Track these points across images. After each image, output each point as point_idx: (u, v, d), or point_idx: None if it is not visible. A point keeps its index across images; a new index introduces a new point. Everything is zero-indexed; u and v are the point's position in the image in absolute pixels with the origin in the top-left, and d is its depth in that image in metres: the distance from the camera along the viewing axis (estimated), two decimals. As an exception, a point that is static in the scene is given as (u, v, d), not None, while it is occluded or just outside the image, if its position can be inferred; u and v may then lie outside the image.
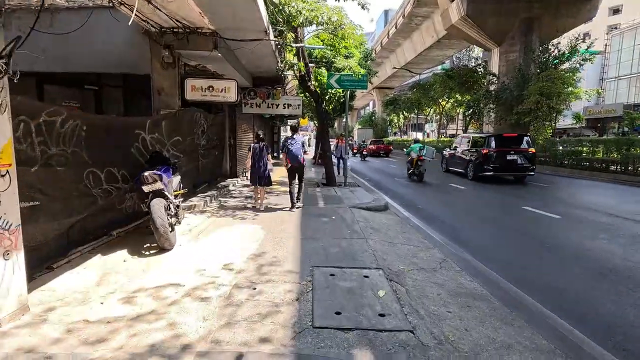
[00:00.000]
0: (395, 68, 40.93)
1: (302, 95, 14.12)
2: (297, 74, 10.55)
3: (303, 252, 4.68)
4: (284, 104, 11.99)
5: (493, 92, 22.12)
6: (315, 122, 33.56)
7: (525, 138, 13.29)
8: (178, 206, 5.41)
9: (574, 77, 19.62)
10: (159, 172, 4.61)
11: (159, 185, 4.60)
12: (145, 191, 4.59)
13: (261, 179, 7.48)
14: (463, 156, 14.40)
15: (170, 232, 4.70)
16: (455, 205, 9.32)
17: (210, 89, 7.11)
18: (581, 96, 21.14)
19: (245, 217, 6.78)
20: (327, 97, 10.93)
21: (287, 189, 7.72)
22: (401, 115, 51.49)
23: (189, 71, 7.37)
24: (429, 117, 46.91)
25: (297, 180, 7.57)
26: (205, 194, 8.45)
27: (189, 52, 6.87)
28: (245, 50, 7.62)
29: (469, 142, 14.50)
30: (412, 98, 38.85)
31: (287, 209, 7.54)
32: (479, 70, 26.21)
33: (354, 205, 8.09)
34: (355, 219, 6.81)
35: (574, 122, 30.65)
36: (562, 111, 19.95)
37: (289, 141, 7.39)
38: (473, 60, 39.07)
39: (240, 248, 4.84)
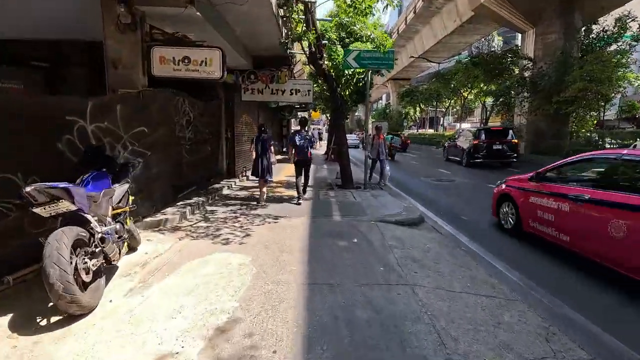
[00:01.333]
0: (412, 57, 38.38)
1: (313, 81, 12.12)
2: (306, 51, 8.57)
3: (309, 323, 2.73)
4: (292, 89, 10.03)
5: (528, 79, 19.64)
6: (328, 114, 31.56)
7: (510, 131, 15.96)
8: (120, 231, 3.54)
9: (627, 60, 17.03)
10: (63, 186, 2.71)
11: (65, 206, 2.71)
12: (43, 215, 2.71)
13: (264, 171, 7.36)
14: (459, 146, 16.95)
15: (89, 283, 2.82)
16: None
17: (186, 61, 5.20)
18: (632, 82, 18.51)
19: (232, 237, 4.87)
20: (343, 81, 8.95)
21: (292, 194, 7.52)
22: (417, 108, 48.97)
23: (160, 39, 5.46)
24: (447, 110, 44.19)
25: (303, 175, 7.54)
26: (188, 202, 6.58)
27: (154, 9, 4.97)
28: (236, 11, 5.68)
29: (463, 135, 17.77)
30: (431, 89, 36.37)
31: (290, 216, 5.65)
32: (508, 56, 23.68)
33: (380, 217, 6.11)
34: (385, 241, 4.83)
35: (616, 112, 27.70)
36: (611, 99, 17.41)
37: (296, 135, 7.34)
38: (495, 48, 36.16)
39: (206, 308, 2.93)
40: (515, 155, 15.24)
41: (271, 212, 6.45)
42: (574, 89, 16.36)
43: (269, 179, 7.59)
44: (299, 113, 27.63)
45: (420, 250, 4.59)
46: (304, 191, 7.69)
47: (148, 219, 5.18)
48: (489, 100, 31.50)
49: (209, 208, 6.68)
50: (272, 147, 7.55)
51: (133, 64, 5.06)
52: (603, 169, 4.45)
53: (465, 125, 37.20)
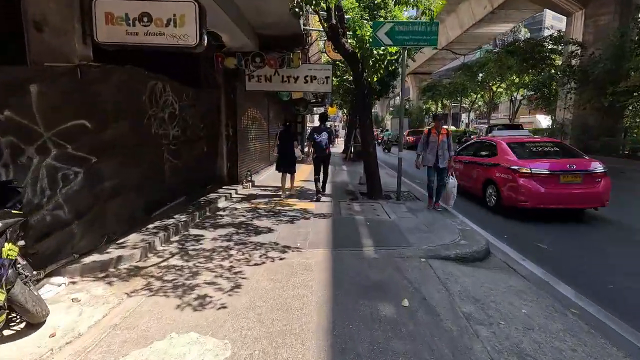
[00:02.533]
0: (436, 49, 35.89)
1: (334, 67, 10.22)
2: (325, 25, 6.72)
3: None
4: (307, 76, 8.20)
5: (576, 68, 17.20)
6: (345, 109, 29.55)
7: (520, 126, 18.46)
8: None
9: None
10: None
11: None
12: None
13: (287, 165, 7.51)
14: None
15: None
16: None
17: (145, 19, 3.46)
18: None
19: (212, 293, 3.10)
20: (370, 63, 7.09)
21: (305, 206, 6.67)
22: (439, 103, 46.35)
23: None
24: (472, 105, 41.41)
25: (322, 173, 7.50)
26: (165, 223, 4.86)
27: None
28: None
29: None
30: (456, 82, 33.86)
31: (302, 247, 3.84)
32: (549, 42, 21.15)
33: (432, 250, 4.23)
34: (455, 304, 2.98)
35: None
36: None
37: (315, 132, 7.29)
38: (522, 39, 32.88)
39: None
40: None
41: (278, 237, 4.66)
42: (636, 78, 13.96)
43: (293, 172, 7.72)
44: (314, 108, 25.88)
45: (520, 324, 2.71)
46: (323, 188, 7.58)
47: (89, 259, 3.47)
48: (522, 94, 28.92)
49: (193, 232, 4.94)
50: (295, 142, 7.63)
51: (65, 25, 3.34)
52: (477, 147, 7.84)
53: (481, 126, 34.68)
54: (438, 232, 5.03)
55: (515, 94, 29.55)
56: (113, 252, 3.65)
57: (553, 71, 19.20)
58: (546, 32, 28.40)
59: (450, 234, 4.90)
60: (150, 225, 4.66)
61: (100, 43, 3.50)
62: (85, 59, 3.51)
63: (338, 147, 22.63)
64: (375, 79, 7.79)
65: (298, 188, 8.25)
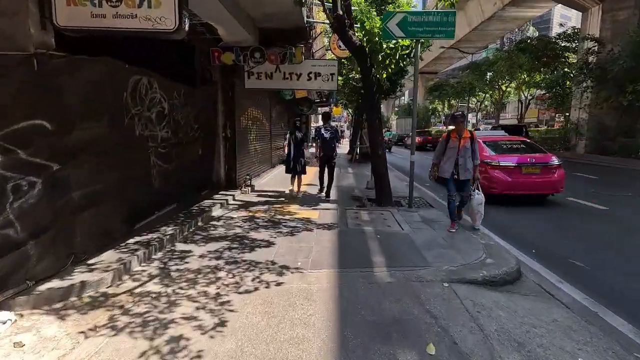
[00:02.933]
0: (443, 47, 35.15)
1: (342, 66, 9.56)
2: (330, 17, 6.12)
3: None
4: (310, 72, 7.60)
5: (593, 65, 16.43)
6: (350, 108, 28.90)
7: (523, 127, 17.35)
8: None
9: None
10: None
11: None
12: None
13: (296, 167, 7.37)
14: None
15: None
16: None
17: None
18: None
19: (188, 334, 2.50)
20: (379, 58, 6.46)
21: (309, 215, 6.09)
22: (446, 103, 45.54)
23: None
24: (480, 105, 40.55)
25: (326, 175, 7.42)
26: (148, 237, 4.28)
27: None
28: None
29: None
30: (464, 81, 33.07)
31: (304, 267, 3.27)
32: (560, 40, 20.40)
33: (455, 274, 3.60)
34: (493, 349, 2.36)
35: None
36: None
37: (322, 129, 7.25)
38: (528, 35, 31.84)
39: None
40: None
41: (276, 253, 4.07)
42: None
43: (303, 174, 7.65)
44: (319, 108, 25.29)
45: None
46: (328, 193, 7.47)
47: (46, 286, 2.89)
48: (531, 93, 28.13)
49: (180, 247, 4.35)
50: (305, 143, 7.56)
51: (16, 5, 2.78)
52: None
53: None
54: (459, 247, 4.40)
55: (525, 93, 28.73)
56: (77, 277, 3.08)
57: (567, 69, 18.40)
58: (555, 30, 27.61)
59: (473, 250, 4.27)
60: (131, 240, 4.08)
61: (61, 27, 2.93)
62: (44, 47, 2.94)
63: (343, 147, 22.02)
64: (384, 76, 7.18)
65: (302, 193, 7.78)
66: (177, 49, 6.23)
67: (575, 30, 20.22)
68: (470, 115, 52.12)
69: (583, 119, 17.88)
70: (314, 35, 9.47)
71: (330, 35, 14.28)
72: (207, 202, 6.32)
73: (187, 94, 6.09)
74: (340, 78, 17.11)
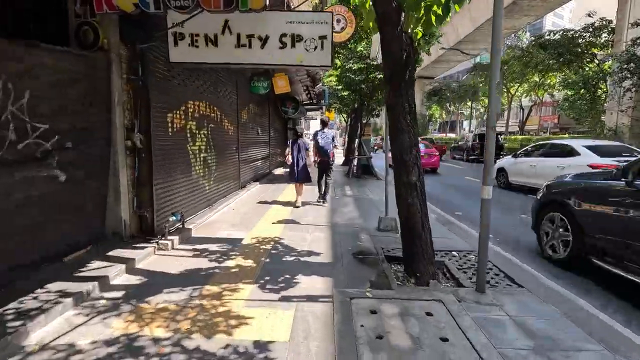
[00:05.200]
0: (443, 48, 32.29)
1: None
2: None
3: None
4: (283, 35, 4.32)
5: (641, 59, 13.51)
6: (344, 115, 25.71)
7: (499, 136, 21.04)
8: None
9: None
10: None
11: None
12: None
13: (300, 175, 7.18)
14: (462, 147, 23.05)
15: None
16: None
17: None
18: None
19: None
20: (412, 8, 3.35)
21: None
22: (444, 109, 42.91)
23: None
24: (470, 113, 37.93)
25: (324, 178, 7.40)
26: None
27: None
28: None
29: (465, 138, 24.43)
30: (467, 84, 30.32)
31: None
32: (585, 34, 17.65)
33: None
34: None
35: None
36: None
37: (319, 134, 7.25)
38: (525, 41, 29.05)
39: None
40: (502, 153, 18.68)
41: None
42: None
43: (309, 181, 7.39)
44: (308, 112, 22.06)
45: None
46: (324, 199, 7.42)
47: None
48: (543, 96, 25.41)
49: None
50: (307, 152, 7.34)
51: None
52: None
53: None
54: None
55: (535, 97, 26.04)
56: None
57: (597, 67, 15.53)
58: (575, 24, 25.12)
59: None
60: None
61: None
62: None
63: (337, 157, 18.78)
64: (420, 35, 3.95)
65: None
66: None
67: (604, 23, 17.45)
68: (465, 123, 49.70)
69: (624, 124, 14.97)
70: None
71: None
72: (50, 290, 2.91)
73: (39, 66, 2.77)
74: (334, 72, 13.94)
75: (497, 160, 10.99)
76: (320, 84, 13.86)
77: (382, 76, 10.33)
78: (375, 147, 29.76)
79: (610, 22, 17.32)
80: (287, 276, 3.54)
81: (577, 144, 8.50)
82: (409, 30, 3.52)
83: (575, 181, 4.39)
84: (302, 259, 4.09)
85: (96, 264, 3.51)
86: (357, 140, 13.59)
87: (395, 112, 3.65)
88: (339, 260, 4.06)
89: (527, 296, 3.23)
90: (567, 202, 4.14)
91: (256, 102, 10.55)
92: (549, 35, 18.69)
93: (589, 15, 17.21)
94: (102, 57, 3.91)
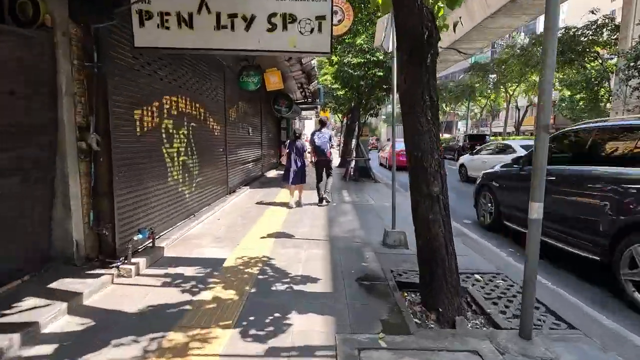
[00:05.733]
0: (440, 48, 31.71)
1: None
2: None
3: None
4: (272, 14, 3.57)
5: (650, 56, 12.98)
6: (339, 116, 24.98)
7: (486, 136, 24.15)
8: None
9: None
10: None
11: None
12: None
13: (296, 177, 7.11)
14: (452, 147, 24.38)
15: None
16: None
17: None
18: None
19: None
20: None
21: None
22: (440, 109, 42.52)
23: None
24: (484, 109, 37.44)
25: (325, 176, 7.43)
26: None
27: None
28: None
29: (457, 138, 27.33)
30: (464, 84, 29.79)
31: None
32: (588, 32, 17.19)
33: None
34: None
35: None
36: None
37: (315, 134, 7.28)
38: (518, 46, 28.65)
39: None
40: None
41: None
42: None
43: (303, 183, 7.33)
44: (303, 112, 21.30)
45: None
46: (327, 192, 7.41)
47: None
48: (553, 95, 24.98)
49: None
50: (306, 154, 7.39)
51: None
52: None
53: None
54: None
55: (534, 97, 25.59)
56: None
57: (598, 66, 15.02)
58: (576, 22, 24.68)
59: None
60: None
61: None
62: None
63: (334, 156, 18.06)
64: (441, 13, 3.25)
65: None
66: None
67: (607, 21, 16.96)
68: (460, 123, 49.25)
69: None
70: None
71: None
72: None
73: None
74: (330, 69, 13.20)
75: (460, 158, 13.72)
76: (316, 82, 13.13)
77: (381, 73, 9.63)
78: (370, 148, 29.06)
79: (613, 19, 16.84)
80: (277, 315, 2.79)
81: (516, 143, 10.55)
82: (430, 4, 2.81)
83: (498, 169, 5.92)
84: (295, 287, 3.33)
85: (30, 301, 2.72)
86: (354, 141, 12.87)
87: (413, 105, 2.92)
88: (340, 289, 3.31)
89: (584, 342, 2.52)
90: (492, 184, 5.78)
91: (247, 100, 9.78)
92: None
93: (592, 12, 16.68)
94: (45, 37, 3.13)
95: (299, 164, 7.15)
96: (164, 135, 4.77)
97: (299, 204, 7.23)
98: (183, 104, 5.43)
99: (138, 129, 4.11)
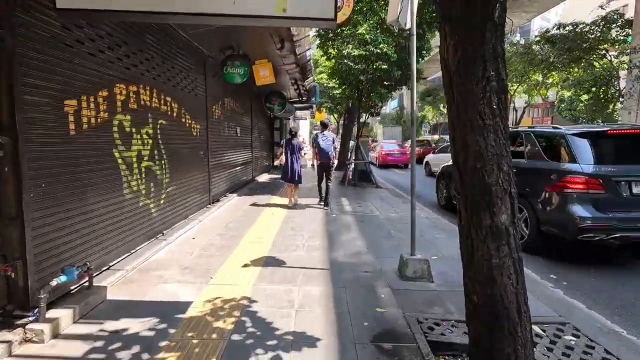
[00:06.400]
0: (437, 46, 31.01)
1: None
2: None
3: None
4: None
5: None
6: (335, 116, 23.98)
7: None
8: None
9: None
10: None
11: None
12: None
13: (294, 175, 7.11)
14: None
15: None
16: None
17: None
18: None
19: None
20: None
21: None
22: (437, 110, 41.68)
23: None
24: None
25: (324, 180, 7.19)
26: None
27: None
28: None
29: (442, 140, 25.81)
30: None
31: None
32: (596, 28, 16.42)
33: None
34: None
35: None
36: None
37: (319, 136, 7.11)
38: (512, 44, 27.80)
39: None
40: None
41: None
42: None
43: (299, 183, 7.36)
44: (297, 112, 20.23)
45: None
46: (326, 203, 7.13)
47: None
48: (545, 95, 24.26)
49: None
50: (301, 152, 7.43)
51: None
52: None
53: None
54: None
55: (537, 97, 24.81)
56: None
57: (607, 64, 14.20)
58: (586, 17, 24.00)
59: None
60: None
61: None
62: None
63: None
64: None
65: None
66: None
67: (615, 16, 16.17)
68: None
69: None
70: None
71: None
72: None
73: None
74: (328, 64, 12.16)
75: (425, 157, 15.49)
76: (311, 78, 12.08)
77: (385, 66, 8.61)
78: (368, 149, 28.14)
79: (622, 15, 16.06)
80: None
81: None
82: None
83: (450, 163, 6.21)
84: (285, 356, 2.27)
85: None
86: (353, 142, 11.85)
87: (466, 86, 1.87)
88: (345, 343, 2.26)
89: None
90: (445, 175, 7.33)
91: (235, 96, 8.71)
92: (558, 29, 17.28)
93: (602, 8, 15.85)
94: None
95: (297, 163, 7.18)
96: (116, 135, 3.69)
97: (294, 203, 7.22)
98: (147, 96, 4.35)
99: (72, 127, 3.02)
